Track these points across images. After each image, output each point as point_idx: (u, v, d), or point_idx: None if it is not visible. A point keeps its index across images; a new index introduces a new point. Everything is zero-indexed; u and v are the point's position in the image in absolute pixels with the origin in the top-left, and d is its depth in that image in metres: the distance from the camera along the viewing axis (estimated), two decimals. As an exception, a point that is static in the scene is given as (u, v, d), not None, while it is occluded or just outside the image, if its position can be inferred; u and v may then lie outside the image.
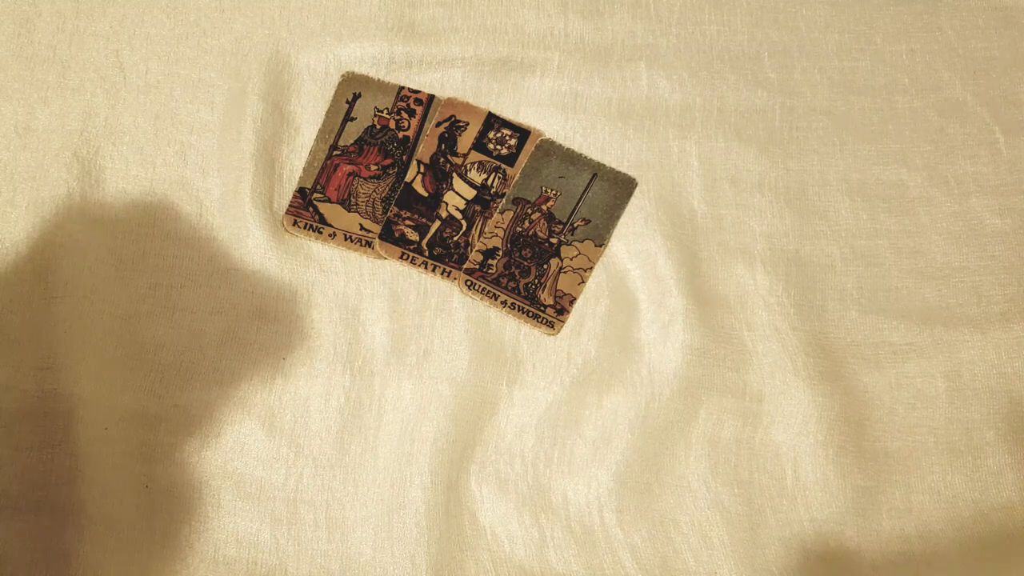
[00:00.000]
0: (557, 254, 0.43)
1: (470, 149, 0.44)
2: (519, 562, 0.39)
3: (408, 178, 0.44)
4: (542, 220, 0.43)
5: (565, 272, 0.43)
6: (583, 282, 0.43)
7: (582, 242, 0.43)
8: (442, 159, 0.44)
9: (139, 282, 0.42)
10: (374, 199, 0.43)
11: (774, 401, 0.41)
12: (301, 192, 0.43)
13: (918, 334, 0.42)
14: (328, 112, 0.44)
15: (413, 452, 0.40)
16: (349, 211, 0.43)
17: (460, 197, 0.43)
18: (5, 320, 0.41)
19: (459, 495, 0.40)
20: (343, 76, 0.45)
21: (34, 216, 0.42)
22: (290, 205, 0.43)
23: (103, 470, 0.39)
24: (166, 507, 0.39)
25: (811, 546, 0.39)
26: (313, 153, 0.44)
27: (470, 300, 0.42)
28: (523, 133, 0.44)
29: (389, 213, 0.43)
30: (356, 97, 0.45)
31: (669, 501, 0.40)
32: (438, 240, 0.43)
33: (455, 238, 0.43)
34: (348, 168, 0.44)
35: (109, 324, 0.41)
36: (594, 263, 0.43)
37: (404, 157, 0.44)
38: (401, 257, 0.43)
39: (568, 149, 0.44)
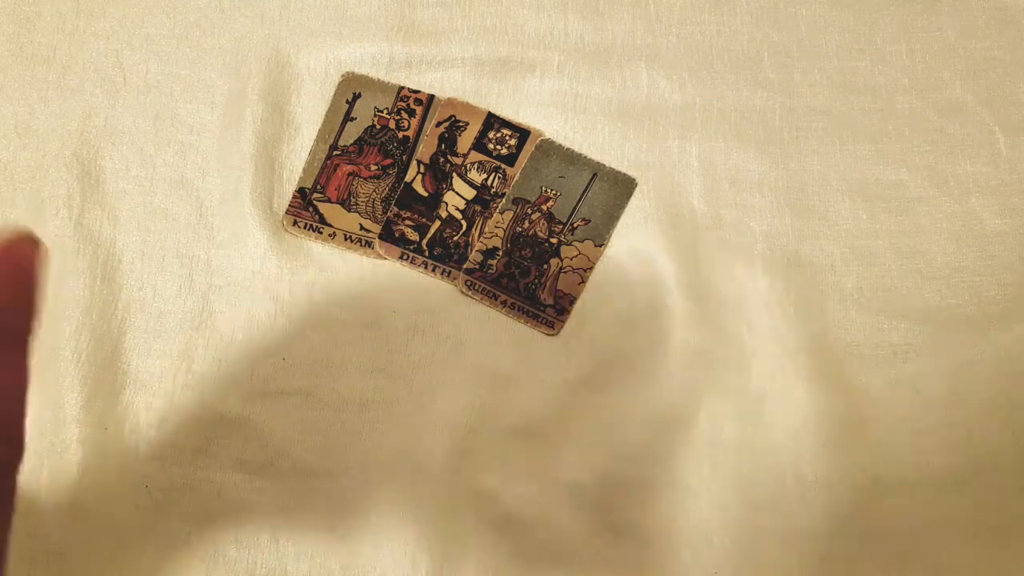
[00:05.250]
0: (557, 254, 0.43)
1: (470, 149, 0.44)
2: (519, 562, 0.39)
3: (408, 178, 0.44)
4: (542, 220, 0.43)
5: (565, 272, 0.43)
6: (583, 282, 0.43)
7: (582, 242, 0.43)
8: (442, 159, 0.44)
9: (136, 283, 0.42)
10: (374, 199, 0.43)
11: (774, 401, 0.41)
12: (301, 192, 0.43)
13: (918, 334, 0.42)
14: (328, 112, 0.44)
15: (412, 452, 0.40)
16: (349, 211, 0.43)
17: (460, 197, 0.43)
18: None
19: (459, 495, 0.40)
20: (343, 76, 0.45)
21: (34, 216, 0.42)
22: (290, 205, 0.43)
23: (103, 470, 0.39)
24: (166, 507, 0.39)
25: (811, 546, 0.39)
26: (313, 153, 0.44)
27: (470, 300, 0.42)
28: (523, 133, 0.44)
29: (389, 213, 0.43)
30: (356, 97, 0.45)
31: (669, 501, 0.40)
32: (438, 240, 0.43)
33: (455, 238, 0.43)
34: (348, 168, 0.44)
35: (103, 327, 0.41)
36: (594, 263, 0.43)
37: (404, 157, 0.44)
38: (401, 257, 0.43)
39: (568, 149, 0.44)
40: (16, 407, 0.20)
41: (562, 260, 0.43)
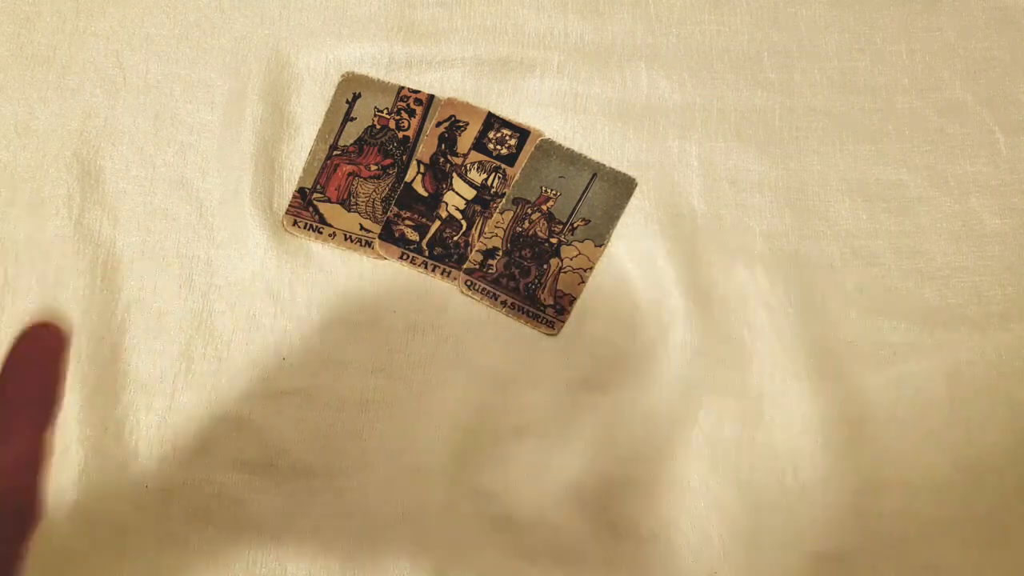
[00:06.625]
0: (557, 254, 0.43)
1: (470, 149, 0.44)
2: (519, 562, 0.39)
3: (408, 178, 0.44)
4: (542, 220, 0.43)
5: (565, 272, 0.43)
6: (583, 282, 0.43)
7: (582, 242, 0.43)
8: (442, 159, 0.44)
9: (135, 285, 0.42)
10: (374, 199, 0.43)
11: (774, 401, 0.41)
12: (301, 192, 0.43)
13: (918, 334, 0.42)
14: (328, 112, 0.44)
15: (412, 452, 0.40)
16: (349, 211, 0.43)
17: (460, 197, 0.43)
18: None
19: (459, 495, 0.40)
20: (343, 76, 0.45)
21: (34, 216, 0.42)
22: (290, 205, 0.43)
23: (103, 470, 0.39)
24: (166, 507, 0.39)
25: (811, 546, 0.39)
26: (313, 153, 0.44)
27: (470, 300, 0.42)
28: (523, 133, 0.44)
29: (389, 213, 0.43)
30: (356, 97, 0.45)
31: (669, 501, 0.40)
32: (438, 240, 0.43)
33: (455, 238, 0.43)
34: (348, 168, 0.44)
35: (103, 327, 0.41)
36: (594, 263, 0.43)
37: (404, 157, 0.44)
38: (401, 257, 0.43)
39: (568, 149, 0.44)
40: (29, 481, 0.21)
41: (562, 260, 0.43)
